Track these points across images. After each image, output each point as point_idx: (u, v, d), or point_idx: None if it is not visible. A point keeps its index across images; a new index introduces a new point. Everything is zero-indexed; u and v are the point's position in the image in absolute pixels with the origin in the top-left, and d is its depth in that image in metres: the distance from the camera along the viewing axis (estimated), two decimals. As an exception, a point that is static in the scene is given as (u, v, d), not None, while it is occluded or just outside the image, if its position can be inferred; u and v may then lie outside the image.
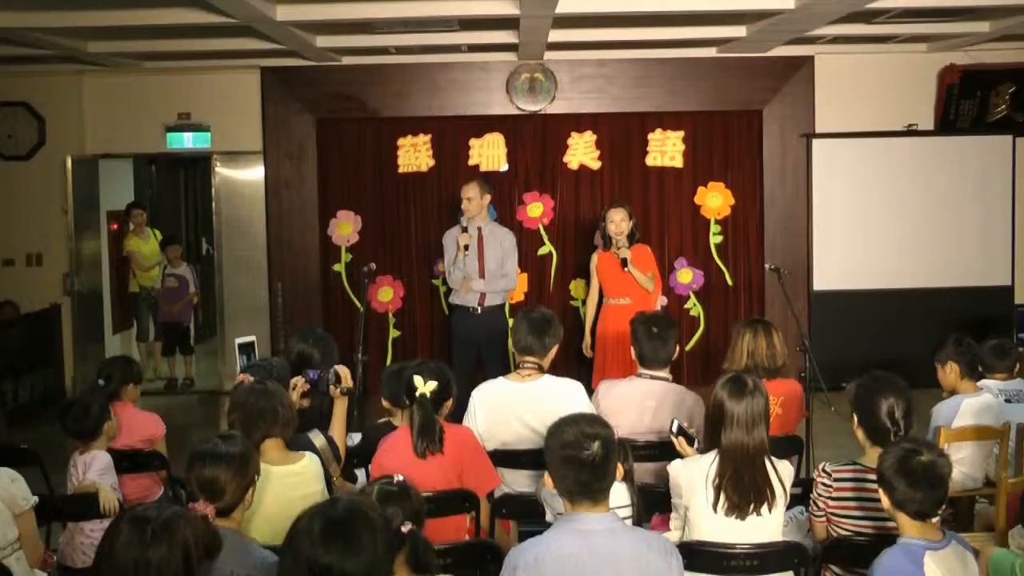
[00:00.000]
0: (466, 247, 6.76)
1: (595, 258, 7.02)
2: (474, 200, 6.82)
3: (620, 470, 3.06)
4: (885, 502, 2.97)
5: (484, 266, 6.84)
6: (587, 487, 2.80)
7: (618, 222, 6.81)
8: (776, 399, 4.37)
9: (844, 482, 3.49)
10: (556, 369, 4.50)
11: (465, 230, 6.78)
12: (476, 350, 6.82)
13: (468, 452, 3.79)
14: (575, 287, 8.92)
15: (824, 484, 3.52)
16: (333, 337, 4.51)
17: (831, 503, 3.50)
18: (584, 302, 8.60)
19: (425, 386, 3.72)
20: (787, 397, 4.55)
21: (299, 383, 4.09)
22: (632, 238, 6.87)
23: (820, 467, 3.57)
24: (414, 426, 3.68)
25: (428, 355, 8.41)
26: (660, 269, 7.62)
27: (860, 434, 3.56)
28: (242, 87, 8.92)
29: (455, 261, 6.81)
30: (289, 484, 3.38)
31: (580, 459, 2.79)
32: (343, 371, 4.09)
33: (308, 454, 3.56)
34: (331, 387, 4.06)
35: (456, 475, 3.72)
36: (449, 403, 3.90)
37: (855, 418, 3.56)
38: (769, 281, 8.75)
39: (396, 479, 2.94)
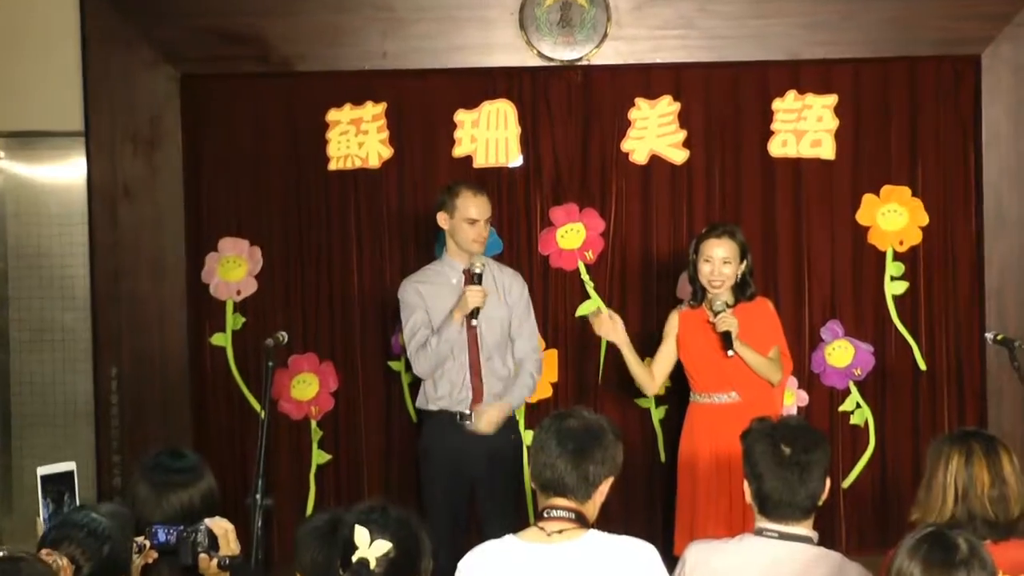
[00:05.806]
0: (473, 314, 6.91)
1: (674, 318, 7.15)
2: (487, 224, 7.15)
3: None
4: None
5: (480, 343, 7.08)
6: None
7: (717, 262, 6.92)
8: (1009, 576, 4.37)
9: None
10: (608, 520, 4.49)
11: (475, 279, 6.96)
12: (469, 488, 6.97)
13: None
14: (644, 374, 8.91)
15: None
16: (206, 464, 4.54)
17: None
18: (657, 403, 8.60)
19: (371, 548, 3.69)
20: (1030, 573, 4.55)
21: (145, 548, 4.10)
22: (744, 290, 6.92)
23: None
24: (346, 621, 3.67)
25: (381, 495, 8.38)
26: (793, 341, 7.62)
27: None
28: (46, 17, 9.03)
29: (440, 332, 6.91)
30: None
31: None
32: (222, 527, 4.13)
33: None
34: (202, 555, 4.09)
35: None
36: (414, 583, 3.89)
37: None
38: (994, 362, 8.72)
39: None
